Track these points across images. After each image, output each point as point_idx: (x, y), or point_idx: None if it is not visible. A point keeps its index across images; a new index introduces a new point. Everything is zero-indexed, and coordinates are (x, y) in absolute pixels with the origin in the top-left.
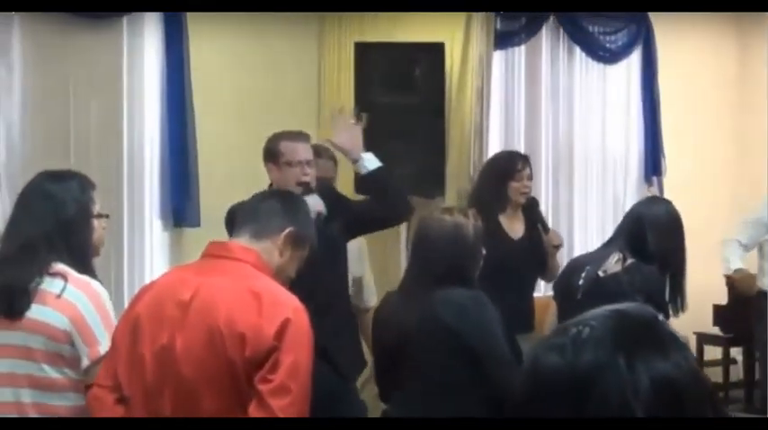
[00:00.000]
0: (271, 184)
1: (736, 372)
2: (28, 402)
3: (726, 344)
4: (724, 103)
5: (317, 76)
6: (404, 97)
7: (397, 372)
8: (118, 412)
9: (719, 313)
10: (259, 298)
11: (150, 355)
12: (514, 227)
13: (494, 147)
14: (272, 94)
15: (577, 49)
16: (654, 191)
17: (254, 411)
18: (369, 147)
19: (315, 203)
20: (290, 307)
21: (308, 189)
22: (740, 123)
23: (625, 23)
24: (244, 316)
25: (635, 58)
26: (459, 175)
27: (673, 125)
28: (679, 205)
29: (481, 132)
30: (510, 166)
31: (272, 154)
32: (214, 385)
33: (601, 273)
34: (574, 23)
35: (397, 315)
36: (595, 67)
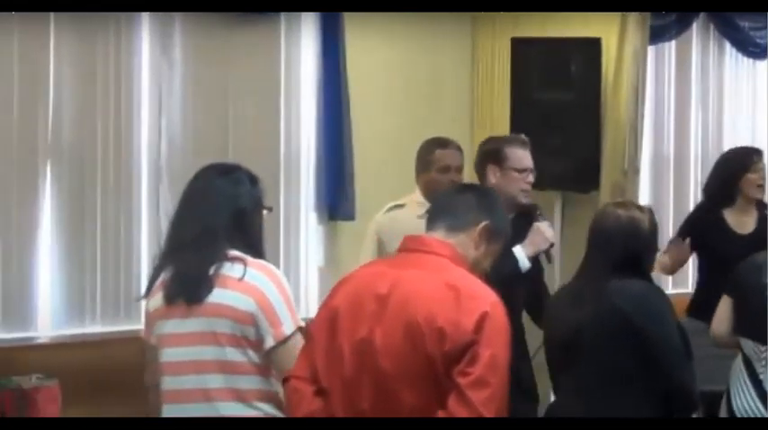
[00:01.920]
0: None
1: None
2: (216, 387)
3: None
4: None
5: (471, 72)
6: (560, 93)
7: (570, 365)
8: (317, 404)
9: None
10: (457, 291)
11: (349, 348)
12: (743, 222)
13: (646, 143)
14: (426, 91)
15: (727, 45)
16: None
17: (453, 404)
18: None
19: (548, 231)
20: (488, 300)
21: (538, 214)
22: None
23: None
24: (442, 310)
25: None
26: (614, 171)
27: None
28: None
29: (636, 128)
30: (746, 159)
31: (495, 157)
32: (413, 379)
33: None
34: (723, 18)
35: (572, 307)
36: (745, 62)
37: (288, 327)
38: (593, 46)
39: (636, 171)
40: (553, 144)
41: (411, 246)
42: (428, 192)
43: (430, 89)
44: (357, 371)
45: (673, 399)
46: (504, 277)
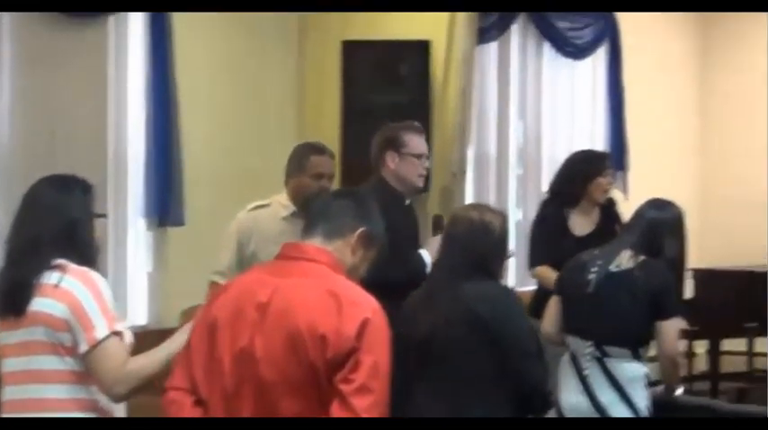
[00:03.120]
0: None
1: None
2: (32, 397)
3: (690, 337)
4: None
5: (299, 74)
6: (391, 95)
7: (426, 367)
8: (196, 414)
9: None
10: (338, 298)
11: (229, 358)
12: (583, 223)
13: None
14: (255, 93)
15: (546, 45)
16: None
17: (336, 411)
18: (356, 146)
19: (428, 258)
20: (369, 307)
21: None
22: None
23: (593, 19)
24: (324, 317)
25: (601, 54)
26: (443, 173)
27: (636, 119)
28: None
29: (464, 130)
30: (598, 164)
31: (393, 143)
32: (294, 387)
33: (614, 268)
34: (543, 19)
35: (426, 309)
36: (564, 62)
37: (101, 332)
38: (422, 48)
39: (463, 172)
40: None
41: (290, 253)
42: (296, 196)
43: (258, 92)
44: (238, 380)
45: (528, 400)
46: (417, 278)
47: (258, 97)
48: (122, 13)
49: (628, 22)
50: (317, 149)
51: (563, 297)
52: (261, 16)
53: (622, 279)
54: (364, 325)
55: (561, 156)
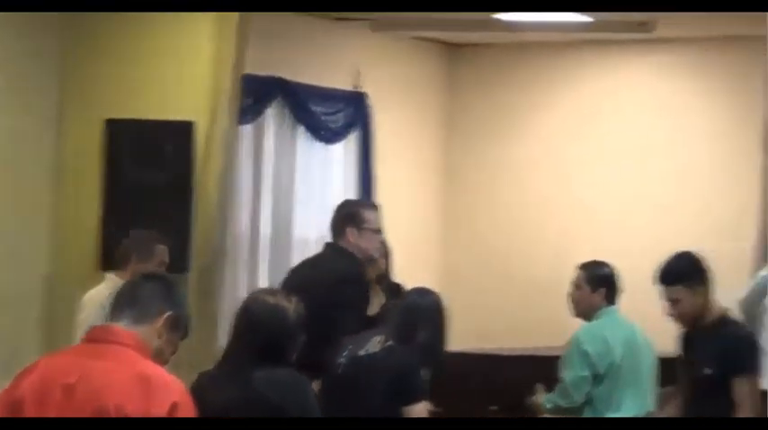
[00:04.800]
0: None
1: None
2: None
3: None
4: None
5: (59, 152)
6: (153, 175)
7: None
8: None
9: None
10: (146, 382)
11: None
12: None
13: None
14: (8, 172)
15: (300, 128)
16: None
17: None
18: (117, 226)
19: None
20: (177, 390)
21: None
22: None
23: (344, 104)
24: (132, 401)
25: (354, 138)
26: (204, 253)
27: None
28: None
29: (224, 210)
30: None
31: (353, 219)
32: None
33: (362, 353)
34: (298, 103)
35: (217, 393)
36: (318, 146)
37: None
38: (185, 129)
39: (224, 252)
40: (146, 226)
41: (98, 336)
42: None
43: (12, 171)
44: None
45: None
46: None
47: (12, 176)
48: None
49: (378, 108)
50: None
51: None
52: (18, 90)
53: (366, 364)
54: (173, 408)
55: (313, 238)
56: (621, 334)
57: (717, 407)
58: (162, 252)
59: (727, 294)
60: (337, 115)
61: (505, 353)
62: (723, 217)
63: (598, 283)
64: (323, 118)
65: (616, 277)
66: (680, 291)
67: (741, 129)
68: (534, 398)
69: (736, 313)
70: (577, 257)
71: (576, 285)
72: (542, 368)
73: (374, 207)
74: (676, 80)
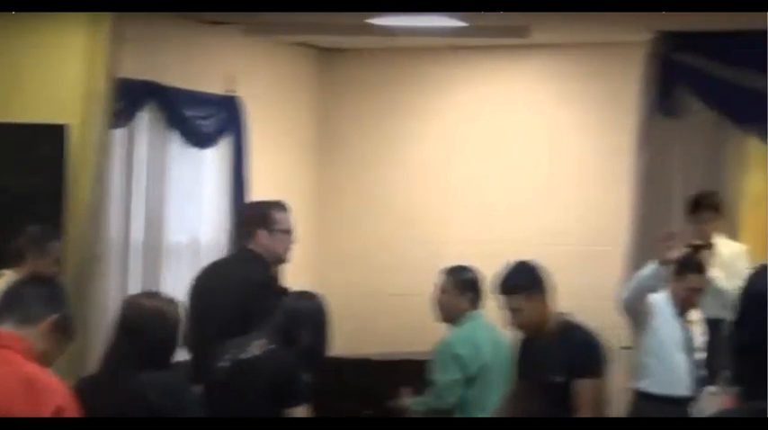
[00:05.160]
0: None
1: None
2: None
3: None
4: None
5: None
6: (26, 179)
7: None
8: None
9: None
10: (31, 384)
11: None
12: None
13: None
14: None
15: (173, 133)
16: None
17: None
18: None
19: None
20: (62, 393)
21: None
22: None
23: (216, 109)
24: (17, 403)
25: (228, 143)
26: (78, 257)
27: None
28: None
29: (98, 214)
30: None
31: (263, 220)
32: None
33: (243, 356)
34: (171, 107)
35: (97, 398)
36: (191, 150)
37: None
38: (58, 132)
39: (97, 258)
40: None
41: None
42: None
43: None
44: None
45: None
46: None
47: None
48: None
49: (252, 112)
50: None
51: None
52: None
53: (248, 367)
54: (58, 411)
55: (185, 243)
56: (489, 337)
57: (569, 412)
58: (56, 249)
59: (602, 293)
60: (210, 119)
61: (375, 357)
62: (596, 218)
63: (465, 288)
64: (196, 122)
65: (482, 282)
66: (520, 300)
67: (615, 132)
68: (401, 401)
69: (620, 312)
70: (448, 261)
71: (443, 290)
72: (409, 372)
73: (284, 208)
74: (551, 85)
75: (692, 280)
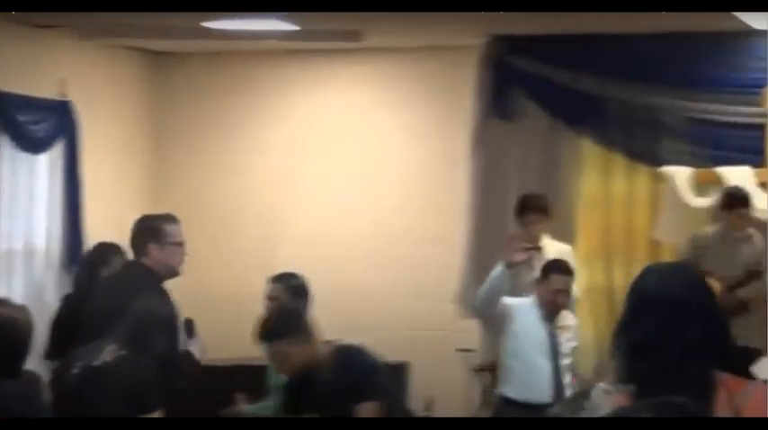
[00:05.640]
0: None
1: None
2: None
3: None
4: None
5: None
6: None
7: None
8: None
9: None
10: None
11: None
12: None
13: None
14: None
15: (5, 138)
16: None
17: None
18: None
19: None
20: None
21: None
22: None
23: (50, 113)
24: None
25: (60, 147)
26: None
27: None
28: None
29: None
30: (105, 256)
31: (155, 234)
32: None
33: (95, 363)
34: (1, 112)
35: None
36: (22, 156)
37: None
38: None
39: None
40: None
41: None
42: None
43: None
44: None
45: None
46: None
47: None
48: None
49: (85, 117)
50: None
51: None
52: None
53: (100, 374)
54: None
55: (20, 250)
56: None
57: None
58: None
59: (436, 294)
60: (42, 124)
61: (209, 363)
62: (432, 220)
63: (296, 295)
64: (28, 127)
65: (310, 287)
66: (282, 345)
67: (451, 135)
68: (237, 407)
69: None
70: (276, 267)
71: (275, 298)
72: (243, 378)
73: (175, 220)
74: (388, 89)
75: (556, 281)
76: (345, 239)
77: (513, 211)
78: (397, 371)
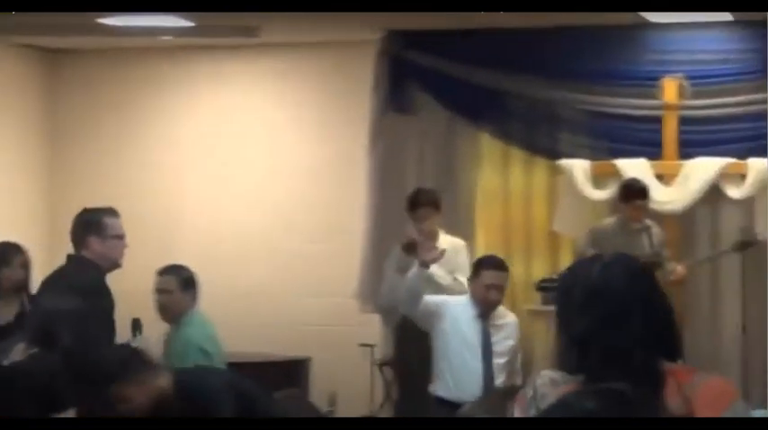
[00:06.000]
0: None
1: None
2: None
3: None
4: None
5: None
6: None
7: None
8: None
9: None
10: None
11: None
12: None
13: None
14: None
15: None
16: None
17: None
18: None
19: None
20: None
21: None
22: None
23: None
24: None
25: None
26: None
27: None
28: None
29: None
30: (7, 255)
31: (96, 227)
32: None
33: (5, 363)
34: None
35: None
36: None
37: None
38: None
39: None
40: None
41: None
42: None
43: None
44: None
45: None
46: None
47: None
48: None
49: None
50: None
51: None
52: None
53: (12, 374)
54: None
55: None
56: (213, 332)
57: None
58: None
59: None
60: None
61: None
62: (332, 217)
63: (187, 286)
64: None
65: (198, 279)
66: (129, 387)
67: (348, 131)
68: None
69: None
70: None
71: (164, 290)
72: None
73: (115, 213)
74: (283, 84)
75: (487, 276)
76: (243, 236)
77: (405, 207)
78: (299, 367)
